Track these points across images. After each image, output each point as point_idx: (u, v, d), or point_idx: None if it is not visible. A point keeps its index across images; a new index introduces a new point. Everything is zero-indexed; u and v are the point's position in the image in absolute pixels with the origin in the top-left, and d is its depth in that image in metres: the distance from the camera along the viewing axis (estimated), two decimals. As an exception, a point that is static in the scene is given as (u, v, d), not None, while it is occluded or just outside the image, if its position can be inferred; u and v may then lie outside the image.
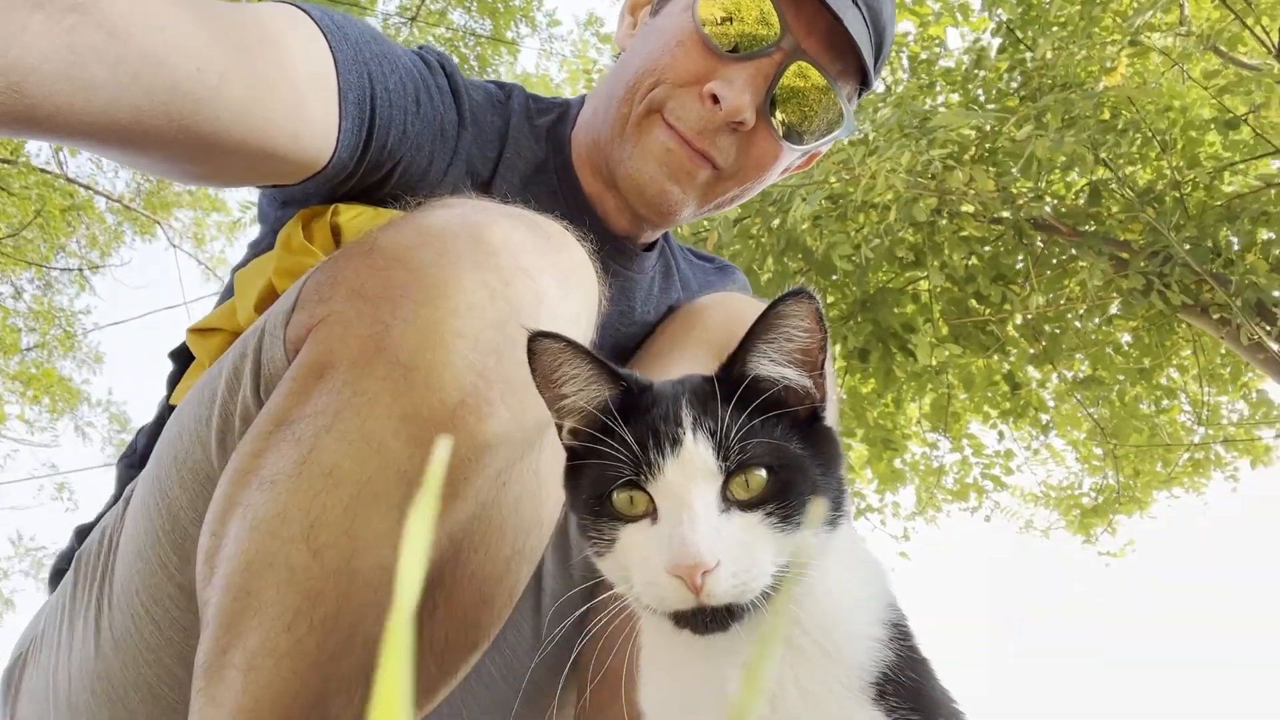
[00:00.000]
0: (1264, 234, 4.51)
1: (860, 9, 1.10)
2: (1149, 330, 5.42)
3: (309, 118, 0.91)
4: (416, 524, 0.20)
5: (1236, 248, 4.45)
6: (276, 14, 0.92)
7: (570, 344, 0.67)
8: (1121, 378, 5.80)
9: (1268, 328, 4.11)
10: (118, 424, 9.23)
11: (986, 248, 4.92)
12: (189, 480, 0.87)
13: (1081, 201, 4.86)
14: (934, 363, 4.67)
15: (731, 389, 0.65)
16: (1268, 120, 4.66)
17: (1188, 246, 4.12)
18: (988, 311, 4.93)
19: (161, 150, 0.83)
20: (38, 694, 0.96)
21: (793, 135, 1.16)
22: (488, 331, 0.78)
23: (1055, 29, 4.80)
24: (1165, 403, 6.05)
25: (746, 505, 0.62)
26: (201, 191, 8.21)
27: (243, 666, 0.73)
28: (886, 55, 1.24)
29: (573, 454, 0.70)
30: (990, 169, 4.30)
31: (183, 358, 1.15)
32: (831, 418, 0.72)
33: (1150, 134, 4.55)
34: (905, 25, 5.25)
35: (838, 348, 4.80)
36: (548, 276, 0.84)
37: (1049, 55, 4.36)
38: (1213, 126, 4.50)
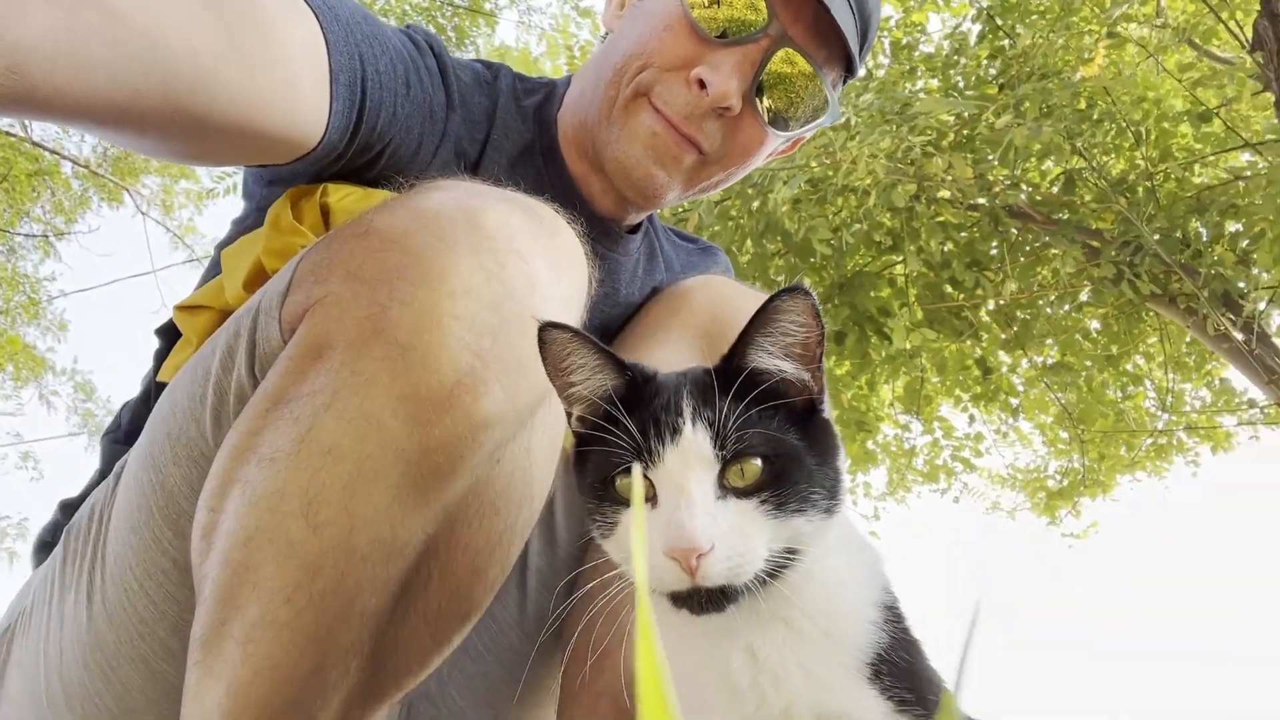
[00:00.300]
0: (1231, 226, 4.60)
1: None
2: (1117, 318, 5.52)
3: (301, 99, 0.92)
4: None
5: (1205, 239, 4.54)
6: None
7: (578, 334, 0.69)
8: (1089, 364, 5.92)
9: (1232, 318, 4.21)
10: (83, 393, 9.12)
11: (963, 234, 4.97)
12: (183, 457, 0.88)
13: (1056, 190, 4.92)
14: (909, 346, 4.73)
15: (730, 381, 0.67)
16: (1238, 113, 4.75)
17: (1157, 237, 4.20)
18: (962, 297, 5.00)
19: (156, 130, 0.83)
20: (28, 666, 0.97)
21: (778, 121, 1.18)
22: (484, 314, 0.79)
23: (1035, 17, 4.84)
24: (1131, 389, 6.18)
25: (742, 492, 0.65)
26: (170, 158, 8.05)
27: (241, 639, 0.74)
28: (871, 43, 1.26)
29: (580, 440, 0.73)
30: (968, 155, 4.35)
31: (169, 334, 1.15)
32: (828, 409, 0.74)
33: (1125, 125, 4.61)
34: (888, 9, 5.26)
35: (814, 329, 4.83)
36: (541, 260, 0.85)
37: (1029, 44, 4.39)
38: (1185, 119, 4.57)
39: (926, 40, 5.53)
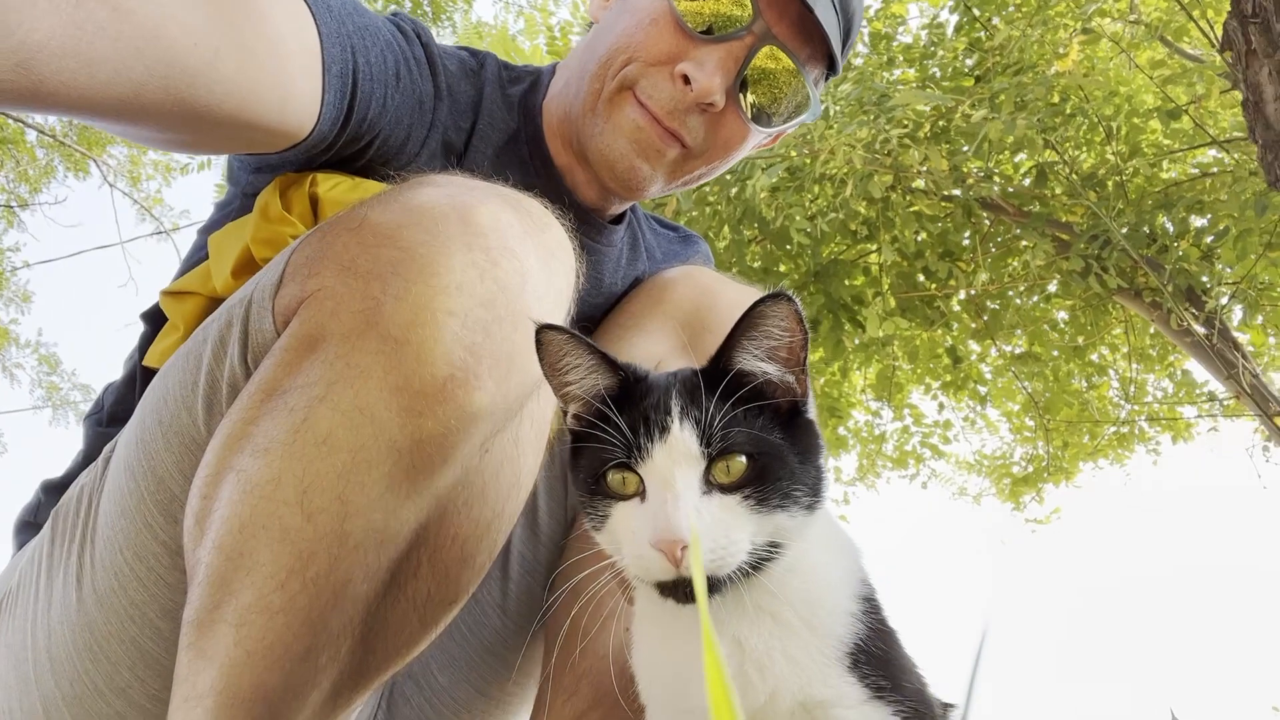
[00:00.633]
0: (1196, 221, 4.70)
1: None
2: (1084, 310, 5.63)
3: (294, 90, 0.93)
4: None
5: (1171, 234, 4.63)
6: None
7: (573, 336, 0.72)
8: (1056, 354, 6.03)
9: (1195, 313, 4.31)
10: (47, 365, 8.97)
11: (937, 225, 5.03)
12: (175, 443, 0.89)
13: (1028, 183, 4.99)
14: (882, 334, 4.79)
15: (717, 382, 0.69)
16: (1206, 111, 4.83)
17: (1125, 231, 4.28)
18: (934, 287, 5.07)
19: (155, 121, 0.84)
20: (15, 646, 0.98)
21: (761, 117, 1.20)
22: (477, 310, 0.81)
23: (1011, 9, 4.88)
24: (1096, 379, 6.30)
25: (726, 488, 0.68)
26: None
27: (235, 622, 0.76)
28: (854, 42, 1.28)
29: (575, 437, 0.75)
30: (943, 147, 4.39)
31: (155, 319, 1.15)
32: (813, 410, 0.77)
33: (1096, 120, 4.68)
34: (868, 0, 5.29)
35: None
36: (533, 257, 0.87)
37: (1006, 38, 4.44)
38: (1155, 115, 4.64)
39: (905, 31, 5.57)
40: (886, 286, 5.10)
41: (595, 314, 1.33)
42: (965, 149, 4.51)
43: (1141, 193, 4.73)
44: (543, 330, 0.72)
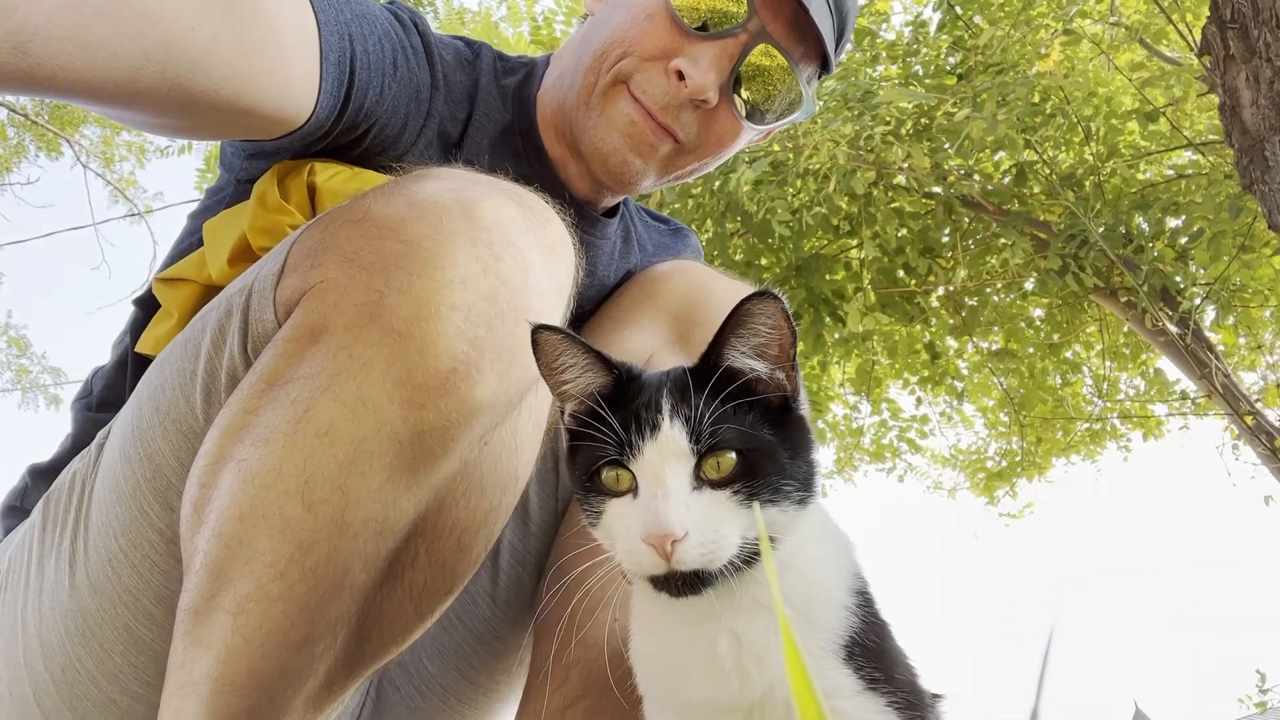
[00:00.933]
0: (1171, 222, 4.77)
1: None
2: (1060, 308, 5.70)
3: (291, 77, 0.93)
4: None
5: (1146, 235, 4.70)
6: None
7: (568, 336, 0.73)
8: (1031, 351, 6.10)
9: (1169, 312, 4.39)
10: (16, 348, 8.84)
11: (918, 221, 5.07)
12: (172, 431, 0.89)
13: (1007, 181, 5.04)
14: (862, 329, 4.83)
15: (707, 380, 0.71)
16: (1183, 113, 4.91)
17: (1102, 230, 4.34)
18: (914, 283, 5.11)
19: (150, 106, 0.84)
20: (5, 631, 0.98)
21: (754, 115, 1.21)
22: (480, 304, 0.82)
23: (994, 9, 4.92)
24: (1071, 376, 6.39)
25: (717, 484, 0.69)
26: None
27: (233, 610, 0.77)
28: (847, 41, 1.30)
29: (571, 435, 0.77)
30: (925, 144, 4.43)
31: (147, 305, 1.15)
32: (805, 407, 0.79)
33: (1075, 120, 4.73)
34: (853, -5, 5.28)
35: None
36: (535, 252, 0.88)
37: (991, 37, 4.48)
38: (1134, 117, 4.70)
39: (888, 28, 5.59)
40: (867, 282, 5.14)
41: (588, 306, 1.34)
42: (947, 146, 4.56)
43: (1118, 193, 4.80)
44: (538, 330, 0.73)
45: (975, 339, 5.93)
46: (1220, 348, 5.03)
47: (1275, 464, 3.93)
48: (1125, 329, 5.90)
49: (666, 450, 0.69)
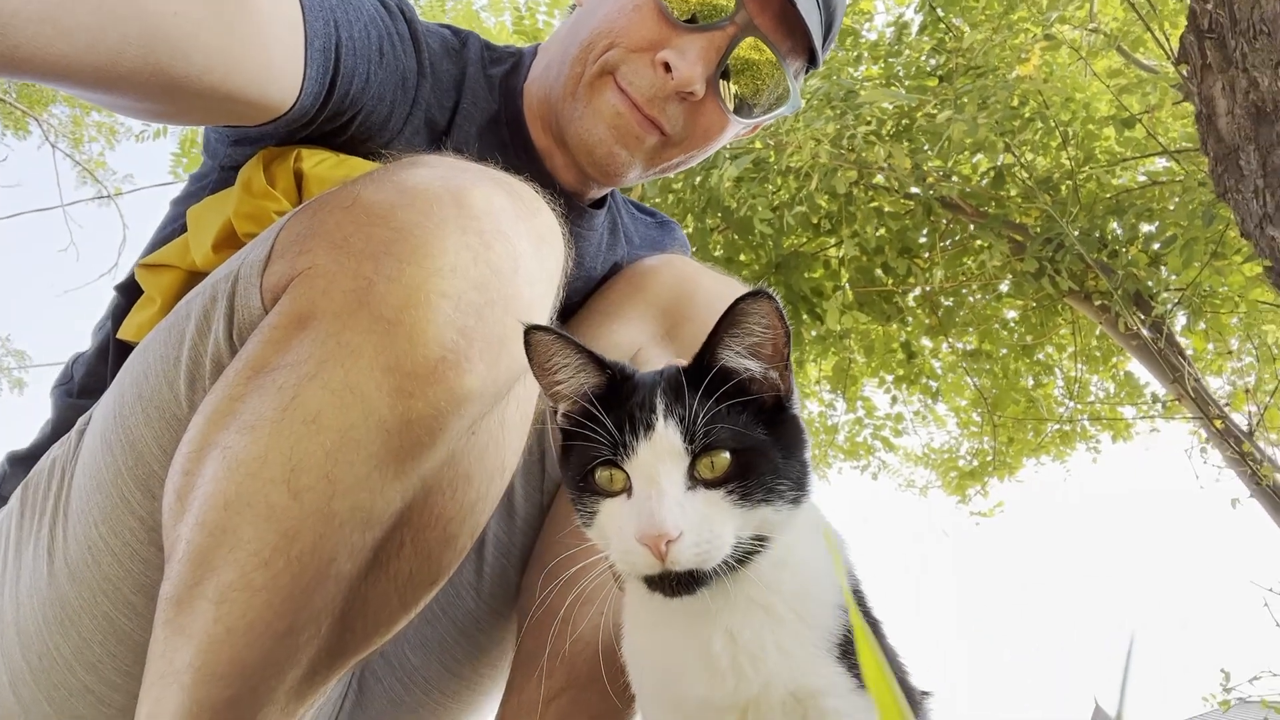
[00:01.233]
0: (1144, 228, 4.84)
1: None
2: (1035, 310, 5.76)
3: (276, 63, 0.92)
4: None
5: (1121, 240, 4.77)
6: None
7: (560, 336, 0.73)
8: (1004, 352, 6.17)
9: (1142, 316, 4.46)
10: (-16, 329, 8.65)
11: (898, 221, 5.11)
12: (155, 418, 0.88)
13: (985, 184, 5.09)
14: (839, 328, 4.86)
15: (701, 379, 0.71)
16: (1158, 121, 4.98)
17: (1077, 234, 4.40)
18: (892, 282, 5.15)
19: (132, 91, 0.83)
20: None
21: (741, 108, 1.21)
22: (470, 292, 0.81)
23: (975, 12, 4.96)
24: (1044, 378, 6.47)
25: (711, 484, 0.69)
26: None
27: (216, 599, 0.76)
28: (834, 37, 1.30)
29: (565, 435, 0.77)
30: (906, 145, 4.46)
31: (129, 291, 1.13)
32: (798, 406, 0.79)
33: (1053, 125, 4.79)
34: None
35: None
36: (525, 241, 0.87)
37: (972, 41, 4.51)
38: (1110, 123, 4.77)
39: (870, 28, 5.62)
40: (845, 280, 5.17)
41: (575, 298, 1.34)
42: (926, 148, 4.59)
43: (1093, 198, 4.86)
44: (531, 331, 0.73)
45: (950, 339, 5.98)
46: (1190, 352, 5.12)
47: (1243, 467, 4.01)
48: (1097, 332, 5.98)
49: (660, 450, 0.69)
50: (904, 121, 4.70)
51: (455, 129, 1.19)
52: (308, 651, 0.82)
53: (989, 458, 7.05)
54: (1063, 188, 4.87)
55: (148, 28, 0.77)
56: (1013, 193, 5.04)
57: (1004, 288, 5.66)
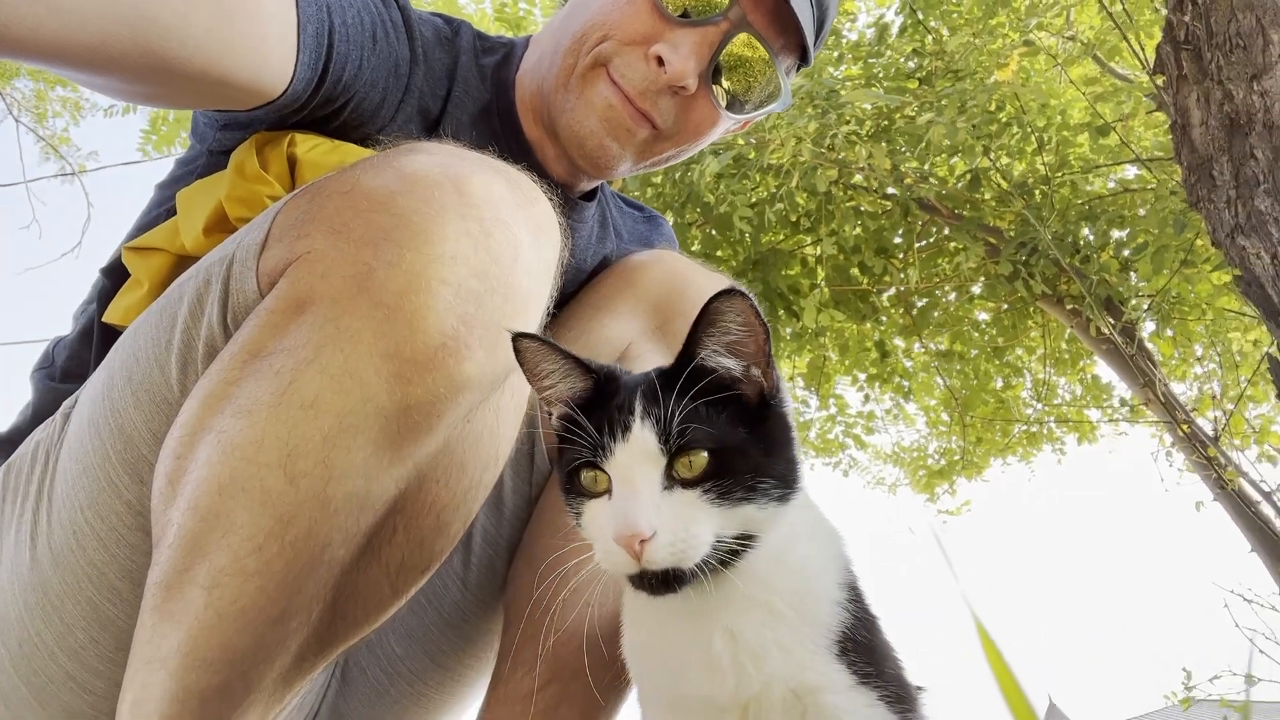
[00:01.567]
0: (1115, 234, 4.93)
1: None
2: (1007, 313, 5.84)
3: (268, 48, 0.91)
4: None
5: (1092, 245, 4.85)
6: None
7: (545, 343, 0.75)
8: (975, 353, 6.25)
9: (1113, 321, 4.53)
10: (-62, 311, 8.43)
11: (875, 221, 5.15)
12: (145, 402, 0.87)
13: (962, 186, 5.15)
14: (815, 325, 4.90)
15: (679, 380, 0.72)
16: (1131, 129, 5.06)
17: (1050, 237, 4.46)
18: (868, 282, 5.19)
19: (122, 73, 0.82)
20: None
21: (733, 104, 1.21)
22: (470, 280, 0.81)
23: (955, 15, 5.01)
24: (1014, 380, 6.56)
25: (689, 483, 0.70)
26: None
27: (207, 584, 0.75)
28: (826, 35, 1.31)
29: (559, 438, 0.78)
30: (885, 146, 4.49)
31: (115, 274, 1.11)
32: (787, 403, 0.79)
33: (1029, 130, 4.85)
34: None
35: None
36: (524, 230, 0.87)
37: (954, 46, 4.55)
38: (1085, 130, 4.84)
39: (851, 28, 5.65)
40: (822, 278, 5.20)
41: (566, 290, 1.33)
42: (904, 149, 4.63)
43: (1066, 204, 4.93)
44: (518, 339, 0.75)
45: (923, 339, 6.04)
46: (1157, 357, 5.22)
47: (1208, 471, 4.11)
48: (1066, 335, 6.07)
49: (636, 451, 0.70)
50: (883, 122, 4.74)
51: (447, 118, 1.19)
52: (298, 638, 0.81)
53: (957, 457, 7.14)
54: (1037, 192, 4.93)
55: (139, 10, 0.77)
56: (987, 196, 5.11)
57: (976, 290, 5.73)
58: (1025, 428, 6.82)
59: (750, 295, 0.71)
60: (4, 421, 1.48)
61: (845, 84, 4.76)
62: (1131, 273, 4.73)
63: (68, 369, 1.12)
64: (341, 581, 0.83)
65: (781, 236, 5.33)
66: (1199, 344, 5.45)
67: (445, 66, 1.19)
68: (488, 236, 0.83)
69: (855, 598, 0.76)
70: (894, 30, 5.24)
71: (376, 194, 0.82)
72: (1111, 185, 5.24)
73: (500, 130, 1.23)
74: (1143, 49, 4.30)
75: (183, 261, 1.02)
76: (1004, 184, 4.94)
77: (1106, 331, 3.84)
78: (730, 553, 0.70)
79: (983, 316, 6.22)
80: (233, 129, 1.08)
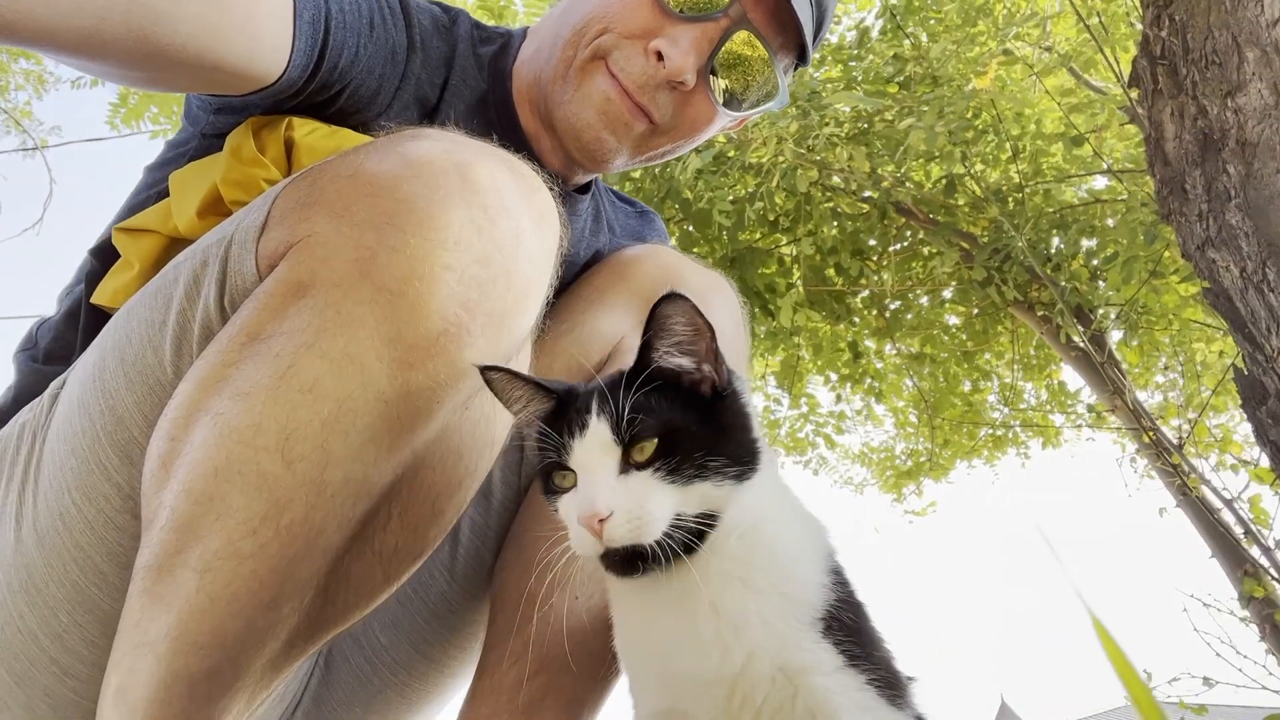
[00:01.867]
0: (1085, 243, 5.01)
1: None
2: (978, 317, 5.92)
3: (263, 34, 0.91)
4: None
5: (1063, 254, 4.93)
6: None
7: (509, 373, 0.80)
8: (945, 356, 6.33)
9: (1082, 328, 4.62)
10: (-106, 287, 8.19)
11: (853, 223, 5.19)
12: (137, 383, 0.85)
13: (938, 191, 5.21)
14: (791, 325, 4.93)
15: (635, 379, 0.77)
16: (1104, 140, 5.15)
17: (1021, 244, 4.53)
18: (843, 283, 5.23)
19: (115, 57, 0.81)
20: None
21: (730, 101, 1.22)
22: (473, 267, 0.81)
23: (934, 22, 5.06)
24: (982, 384, 6.66)
25: (642, 466, 0.75)
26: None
27: (199, 568, 0.75)
28: (824, 35, 1.33)
29: (537, 450, 0.82)
30: (864, 148, 4.53)
31: (104, 255, 1.10)
32: (746, 392, 0.83)
33: (1005, 138, 4.91)
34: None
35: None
36: (527, 218, 0.88)
37: (933, 51, 4.60)
38: (1059, 140, 4.91)
39: (833, 30, 5.68)
40: (798, 278, 5.24)
41: (559, 282, 1.34)
42: (882, 152, 4.67)
43: (1038, 212, 5.01)
44: (485, 371, 0.80)
45: (895, 341, 6.11)
46: (1124, 365, 5.32)
47: (1170, 478, 4.21)
48: (1034, 341, 6.17)
49: (594, 445, 0.76)
50: (861, 125, 4.77)
51: (444, 105, 1.18)
52: (289, 624, 0.81)
53: (924, 459, 7.23)
54: (1011, 200, 5.00)
55: None
56: (962, 202, 5.17)
57: (947, 294, 5.80)
58: (991, 431, 6.92)
59: (689, 298, 0.76)
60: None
61: (826, 86, 4.79)
62: (1100, 281, 4.82)
63: (51, 351, 1.10)
64: (335, 567, 0.82)
65: (759, 235, 5.36)
66: (1164, 354, 5.57)
67: (443, 55, 1.19)
68: (491, 224, 0.83)
69: (840, 582, 0.79)
70: (874, 34, 5.27)
71: (380, 178, 0.82)
72: (1082, 195, 5.33)
73: (496, 120, 1.23)
74: (1117, 62, 4.37)
75: (175, 244, 1.00)
76: (979, 190, 5.00)
77: (1077, 339, 3.90)
78: (696, 534, 0.75)
79: (953, 321, 6.31)
80: (227, 113, 1.07)
